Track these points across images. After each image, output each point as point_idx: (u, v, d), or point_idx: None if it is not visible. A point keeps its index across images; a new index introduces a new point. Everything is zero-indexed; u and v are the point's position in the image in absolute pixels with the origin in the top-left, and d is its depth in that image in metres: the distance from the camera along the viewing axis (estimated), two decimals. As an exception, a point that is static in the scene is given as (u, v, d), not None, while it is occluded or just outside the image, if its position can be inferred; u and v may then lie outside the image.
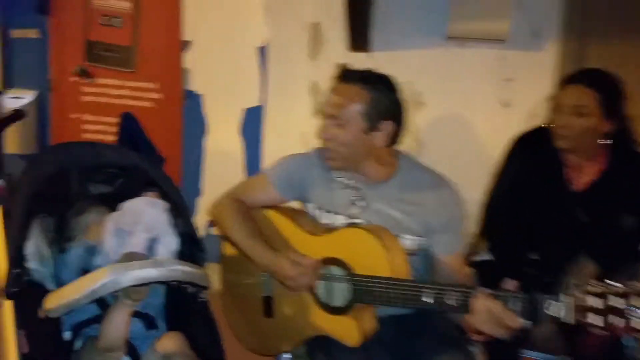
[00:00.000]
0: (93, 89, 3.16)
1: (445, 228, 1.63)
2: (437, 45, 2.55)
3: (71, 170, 1.62)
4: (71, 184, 1.62)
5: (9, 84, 3.29)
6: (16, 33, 3.27)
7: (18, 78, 3.29)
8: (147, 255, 1.34)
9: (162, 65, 3.06)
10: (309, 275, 1.54)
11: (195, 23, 3.01)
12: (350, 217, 1.65)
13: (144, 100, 3.11)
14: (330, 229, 1.64)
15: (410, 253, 1.62)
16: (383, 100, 1.58)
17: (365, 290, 1.48)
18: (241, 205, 1.70)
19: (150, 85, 3.09)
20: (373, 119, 1.57)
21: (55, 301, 1.21)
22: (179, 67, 3.04)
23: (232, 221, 1.66)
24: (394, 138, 1.63)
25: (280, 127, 2.87)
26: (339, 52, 2.66)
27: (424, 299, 1.40)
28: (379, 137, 1.59)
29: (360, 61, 2.56)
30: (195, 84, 3.07)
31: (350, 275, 1.51)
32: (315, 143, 2.83)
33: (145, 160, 1.67)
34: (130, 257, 1.28)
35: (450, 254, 1.65)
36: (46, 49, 3.20)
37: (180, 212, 1.65)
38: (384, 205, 1.64)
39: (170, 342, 1.44)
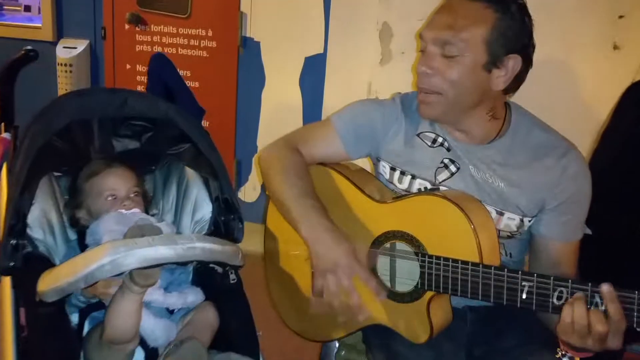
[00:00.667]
0: (146, 38, 3.00)
1: (563, 208, 1.26)
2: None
3: (91, 121, 1.38)
4: (91, 138, 1.38)
5: (61, 34, 3.16)
6: (69, -22, 3.11)
7: (71, 27, 3.16)
8: (159, 228, 1.08)
9: (217, 10, 2.87)
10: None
11: (253, -39, 2.74)
12: (434, 183, 1.31)
13: (199, 49, 2.92)
14: (401, 196, 1.31)
15: (508, 235, 1.28)
16: (513, 25, 1.17)
17: (440, 276, 1.17)
18: (297, 157, 1.35)
19: (205, 32, 2.87)
20: (497, 51, 1.18)
21: (48, 283, 0.98)
22: (236, 11, 2.81)
23: (283, 175, 1.31)
24: (515, 82, 1.23)
25: (344, 77, 2.56)
26: (415, -14, 2.28)
27: (522, 294, 1.08)
28: (500, 78, 1.21)
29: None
30: (252, 30, 2.83)
31: (424, 255, 1.20)
32: (387, 95, 2.57)
33: (179, 111, 1.40)
34: (138, 231, 1.03)
35: (565, 242, 1.29)
36: (99, -6, 3.04)
37: (216, 174, 1.38)
38: (485, 171, 1.27)
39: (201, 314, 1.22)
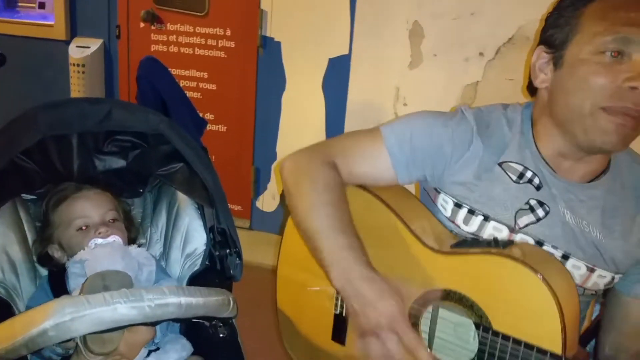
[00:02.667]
0: (162, 37, 2.85)
1: None
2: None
3: (70, 136, 1.19)
4: (69, 156, 1.20)
5: (74, 32, 3.02)
6: (83, -26, 2.97)
7: (84, 25, 3.02)
8: (128, 276, 0.87)
9: (236, 8, 2.72)
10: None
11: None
12: (513, 228, 1.03)
13: (216, 49, 2.76)
14: (465, 245, 1.02)
15: (592, 294, 1.04)
16: None
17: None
18: (333, 175, 1.05)
19: (223, 31, 2.70)
20: None
21: (-15, 345, 0.80)
22: (256, 9, 2.64)
23: (313, 198, 1.02)
24: None
25: (370, 80, 2.34)
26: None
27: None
28: None
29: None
30: (273, 30, 2.66)
31: (487, 329, 0.94)
32: (416, 102, 2.33)
33: (172, 125, 1.20)
34: (99, 281, 0.83)
35: None
36: (114, -9, 2.89)
37: (212, 201, 1.17)
38: (584, 217, 1.00)
39: None
